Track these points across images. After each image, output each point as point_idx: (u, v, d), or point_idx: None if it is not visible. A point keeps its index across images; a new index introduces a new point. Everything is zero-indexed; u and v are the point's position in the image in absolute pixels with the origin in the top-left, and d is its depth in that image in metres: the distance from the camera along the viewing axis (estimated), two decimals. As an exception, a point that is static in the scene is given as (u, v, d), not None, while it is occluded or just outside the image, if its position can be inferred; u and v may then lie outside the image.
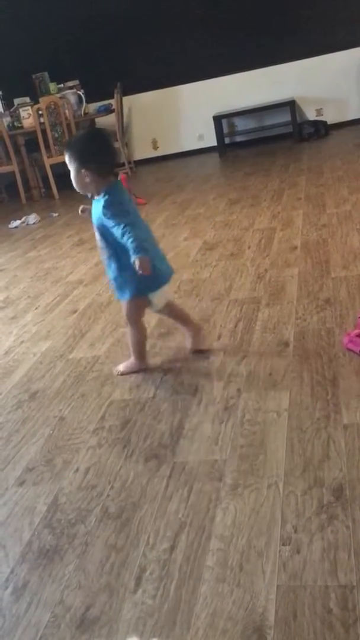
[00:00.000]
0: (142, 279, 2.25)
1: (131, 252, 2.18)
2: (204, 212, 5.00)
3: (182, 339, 2.69)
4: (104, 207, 2.23)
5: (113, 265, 2.35)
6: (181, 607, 1.40)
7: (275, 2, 7.30)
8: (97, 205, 2.28)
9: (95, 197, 2.32)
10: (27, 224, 6.03)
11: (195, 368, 2.46)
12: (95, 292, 3.62)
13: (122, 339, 2.88)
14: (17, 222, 6.07)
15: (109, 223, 2.22)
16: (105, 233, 2.28)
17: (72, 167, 2.27)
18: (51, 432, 2.23)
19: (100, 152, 2.30)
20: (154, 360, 2.60)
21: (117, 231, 2.20)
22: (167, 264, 2.47)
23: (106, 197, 2.24)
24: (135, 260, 2.17)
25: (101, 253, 2.42)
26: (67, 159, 2.28)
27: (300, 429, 1.94)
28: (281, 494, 1.68)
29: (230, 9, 7.40)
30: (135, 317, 2.47)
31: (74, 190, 2.35)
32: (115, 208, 2.22)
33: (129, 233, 2.18)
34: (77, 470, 1.98)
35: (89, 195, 2.35)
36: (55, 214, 6.18)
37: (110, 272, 2.39)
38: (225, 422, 2.06)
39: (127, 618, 1.40)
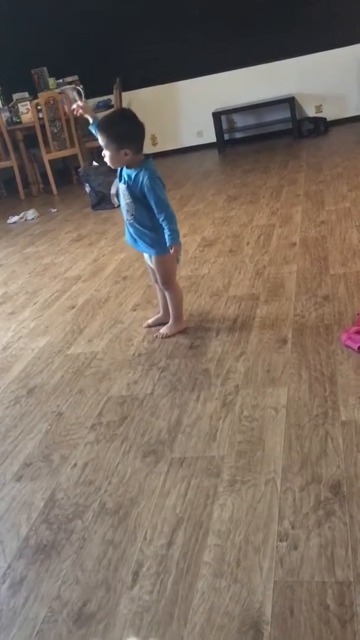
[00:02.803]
0: None
1: (170, 233, 2.52)
2: (203, 208, 5.00)
3: (180, 336, 2.70)
4: (148, 181, 2.49)
5: (146, 224, 2.59)
6: (178, 603, 1.40)
7: (275, -2, 7.29)
8: (131, 173, 2.54)
9: (128, 168, 2.55)
10: (26, 220, 6.02)
11: (193, 364, 2.46)
12: (93, 288, 3.62)
13: (120, 334, 2.88)
14: (16, 218, 6.06)
15: (150, 195, 2.50)
16: (139, 197, 2.53)
17: (110, 148, 2.48)
18: (49, 427, 2.23)
19: (136, 131, 2.51)
20: (152, 357, 2.60)
21: (156, 205, 2.51)
22: None
23: (147, 172, 2.50)
24: (172, 244, 2.54)
25: (124, 210, 2.64)
26: (104, 141, 2.47)
27: (298, 426, 1.94)
28: (279, 490, 1.68)
29: (229, 5, 7.39)
30: (172, 275, 2.74)
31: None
32: (156, 184, 2.51)
33: (169, 215, 2.52)
34: (74, 465, 1.97)
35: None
36: (53, 210, 6.17)
37: (139, 230, 2.62)
38: (223, 418, 2.06)
39: (124, 613, 1.40)
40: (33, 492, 1.89)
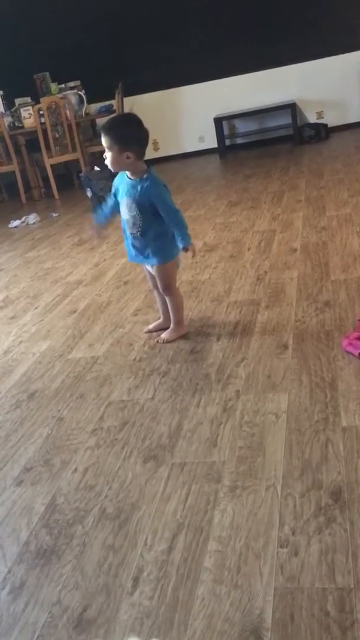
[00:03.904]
0: (173, 243, 2.61)
1: (182, 237, 2.55)
2: (204, 213, 5.01)
3: (180, 341, 2.71)
4: (155, 189, 2.52)
5: (150, 234, 2.59)
6: (178, 609, 1.40)
7: (277, 4, 7.30)
8: (135, 184, 2.54)
9: (131, 177, 2.55)
10: (27, 224, 6.02)
11: (194, 369, 2.47)
12: (94, 293, 3.63)
13: (121, 339, 2.88)
14: (17, 222, 6.07)
15: (158, 202, 2.52)
16: (147, 207, 2.53)
17: (112, 150, 2.46)
18: (49, 432, 2.23)
19: (140, 136, 2.49)
20: (152, 362, 2.60)
21: (166, 212, 2.54)
22: None
23: (153, 180, 2.52)
24: (187, 246, 2.56)
25: (128, 224, 2.61)
26: (107, 142, 2.46)
27: (299, 431, 1.94)
28: (279, 496, 1.68)
29: (231, 11, 7.41)
30: (173, 281, 2.75)
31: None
32: (162, 191, 2.54)
33: (180, 220, 2.57)
34: (75, 470, 1.98)
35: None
36: (55, 214, 6.18)
37: (144, 241, 2.61)
38: (223, 423, 2.06)
39: (124, 619, 1.40)
40: (33, 496, 1.89)
